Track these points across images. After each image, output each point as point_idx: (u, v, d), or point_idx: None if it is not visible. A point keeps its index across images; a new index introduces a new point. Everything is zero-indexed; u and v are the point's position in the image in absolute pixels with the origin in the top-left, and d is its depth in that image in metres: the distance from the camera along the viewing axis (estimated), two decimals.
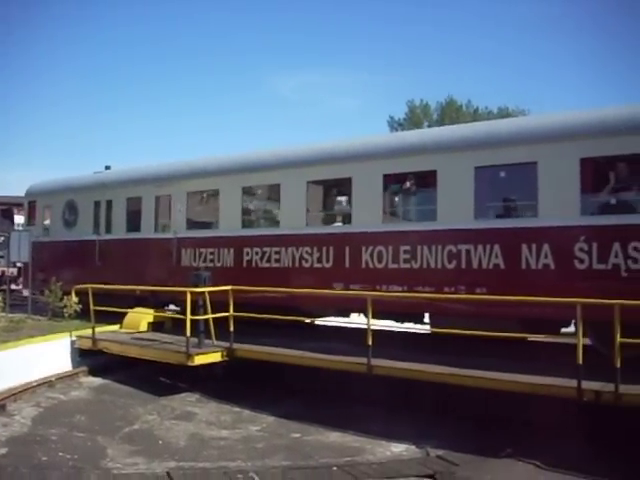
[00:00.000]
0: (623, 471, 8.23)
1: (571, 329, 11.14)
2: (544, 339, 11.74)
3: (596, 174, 10.76)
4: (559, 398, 9.28)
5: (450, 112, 53.63)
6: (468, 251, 11.51)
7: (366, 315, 11.34)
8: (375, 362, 10.87)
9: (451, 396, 10.69)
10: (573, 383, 9.03)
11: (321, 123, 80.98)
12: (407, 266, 12.13)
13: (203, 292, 12.62)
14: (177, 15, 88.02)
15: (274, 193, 14.43)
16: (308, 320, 14.32)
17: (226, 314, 12.59)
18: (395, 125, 54.49)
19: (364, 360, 10.91)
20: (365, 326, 11.13)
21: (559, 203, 10.76)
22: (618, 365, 8.72)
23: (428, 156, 12.16)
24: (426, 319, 12.76)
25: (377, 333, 11.61)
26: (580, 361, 9.05)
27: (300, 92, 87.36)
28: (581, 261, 10.53)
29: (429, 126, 47.44)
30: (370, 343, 10.88)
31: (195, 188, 15.95)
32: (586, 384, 8.99)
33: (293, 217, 13.84)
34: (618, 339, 8.79)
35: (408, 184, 12.51)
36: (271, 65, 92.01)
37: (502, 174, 11.55)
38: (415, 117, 54.53)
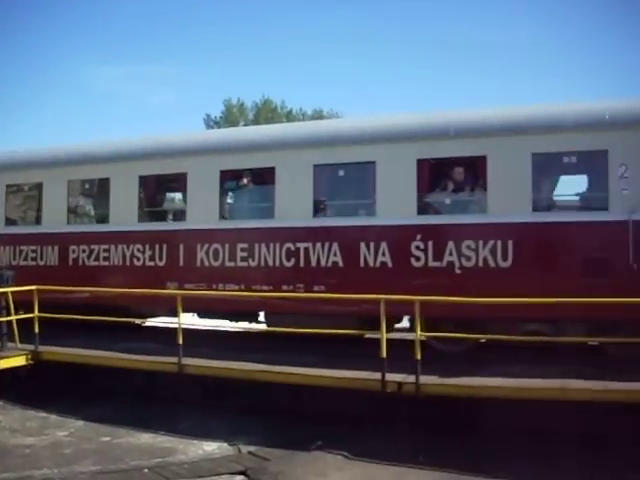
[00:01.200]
0: (427, 455, 8.52)
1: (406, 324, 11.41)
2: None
3: (432, 175, 10.87)
4: (367, 390, 9.32)
5: (265, 112, 54.45)
6: (307, 249, 11.19)
7: (202, 314, 11.17)
8: (186, 361, 10.39)
9: (264, 393, 10.36)
10: (379, 376, 9.16)
11: (139, 118, 78.94)
12: (244, 264, 11.60)
13: (5, 292, 11.35)
14: None
15: (103, 187, 13.33)
16: (139, 321, 13.37)
17: (30, 315, 11.42)
18: (211, 123, 54.42)
19: (175, 359, 10.40)
20: (199, 326, 11.02)
21: (396, 202, 10.76)
22: (419, 357, 9.00)
23: (267, 153, 11.72)
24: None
25: (202, 333, 11.56)
26: (384, 355, 9.19)
27: (118, 86, 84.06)
28: (417, 259, 10.57)
29: (245, 125, 47.63)
30: (181, 342, 10.36)
31: (15, 181, 14.43)
32: (390, 376, 9.14)
33: (124, 213, 12.84)
34: (419, 333, 9.16)
35: (246, 181, 12.00)
36: (86, 58, 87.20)
37: (341, 173, 11.38)
38: (232, 116, 54.76)
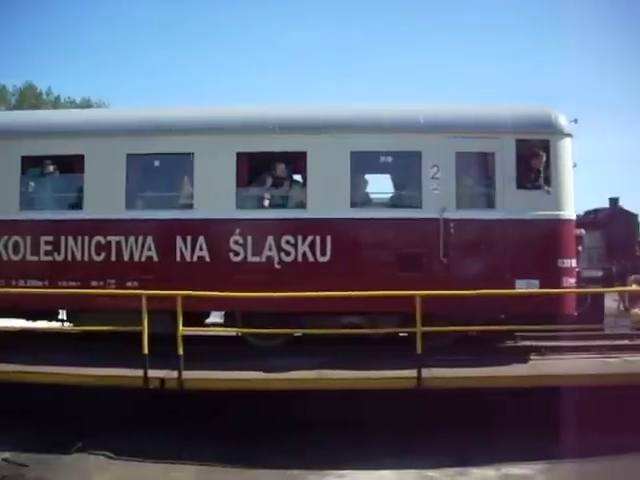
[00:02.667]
0: (192, 451, 8.55)
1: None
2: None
3: (252, 169, 10.58)
4: (131, 388, 8.97)
5: (30, 98, 51.78)
6: (119, 243, 10.35)
7: None
8: None
9: (22, 395, 9.42)
10: (141, 373, 8.89)
11: None
12: (49, 258, 10.46)
13: None
14: None
15: None
16: None
17: None
18: None
19: None
20: None
21: (215, 196, 10.34)
22: (181, 353, 8.78)
23: (75, 139, 10.63)
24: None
25: None
26: (146, 351, 8.88)
27: None
28: (236, 254, 10.21)
29: (7, 110, 44.04)
30: None
31: None
32: (153, 372, 8.90)
33: None
34: (180, 329, 8.93)
35: (51, 168, 10.84)
36: None
37: (157, 163, 10.71)
38: None
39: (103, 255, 10.38)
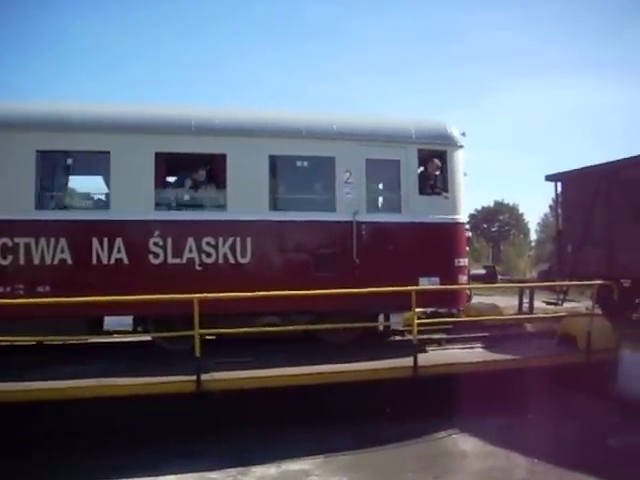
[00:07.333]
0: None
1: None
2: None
3: (172, 169, 10.12)
4: None
5: None
6: (28, 245, 9.29)
7: None
8: None
9: None
10: None
11: None
12: None
13: None
14: None
15: None
16: None
17: None
18: None
19: None
20: None
21: (133, 196, 9.64)
22: None
23: None
24: None
25: None
26: None
27: None
28: (156, 256, 9.62)
29: None
30: None
31: None
32: None
33: None
34: None
35: None
36: None
37: (70, 161, 9.80)
38: None
39: (10, 259, 9.28)
